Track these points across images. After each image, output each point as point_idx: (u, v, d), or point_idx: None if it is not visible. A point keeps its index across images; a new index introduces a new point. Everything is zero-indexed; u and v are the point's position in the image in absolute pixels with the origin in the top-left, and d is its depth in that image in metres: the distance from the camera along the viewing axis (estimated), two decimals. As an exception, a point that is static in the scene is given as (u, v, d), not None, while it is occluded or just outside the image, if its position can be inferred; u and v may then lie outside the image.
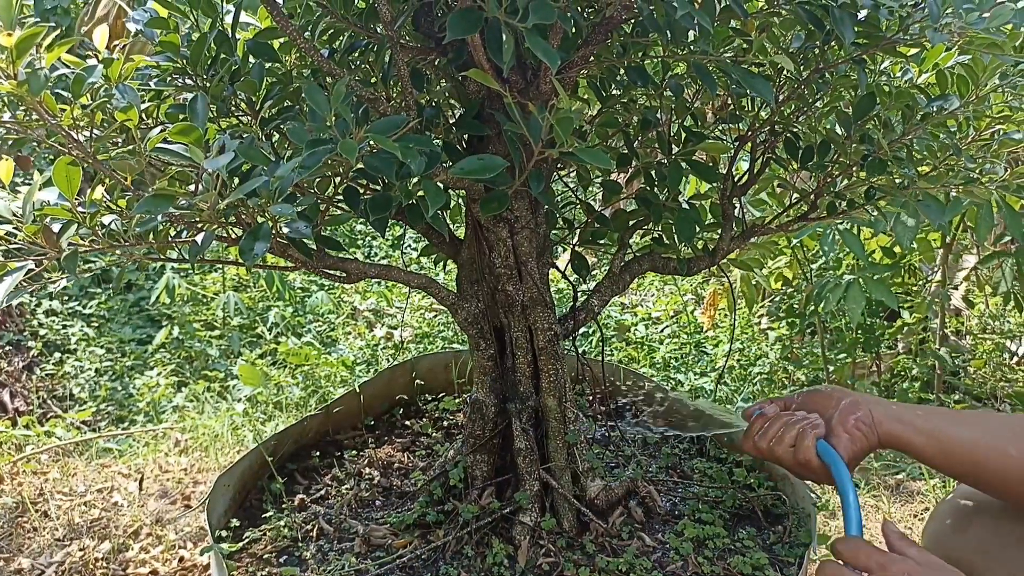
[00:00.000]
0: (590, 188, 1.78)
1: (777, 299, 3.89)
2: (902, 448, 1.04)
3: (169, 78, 1.13)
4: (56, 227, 0.97)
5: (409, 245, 5.53)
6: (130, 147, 0.93)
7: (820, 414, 1.09)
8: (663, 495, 1.52)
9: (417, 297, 4.54)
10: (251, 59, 1.22)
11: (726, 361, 3.12)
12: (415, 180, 1.03)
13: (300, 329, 4.70)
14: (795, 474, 1.10)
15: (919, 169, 1.42)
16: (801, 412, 1.10)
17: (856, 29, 1.18)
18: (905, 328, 3.63)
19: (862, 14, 1.20)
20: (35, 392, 4.29)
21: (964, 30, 1.08)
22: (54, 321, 4.75)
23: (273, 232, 0.97)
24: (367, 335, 4.52)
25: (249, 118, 1.22)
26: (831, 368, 3.60)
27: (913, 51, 1.31)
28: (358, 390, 1.83)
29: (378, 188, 1.11)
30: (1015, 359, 3.70)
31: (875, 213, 1.50)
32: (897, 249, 3.28)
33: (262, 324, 4.64)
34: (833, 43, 1.28)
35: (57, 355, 4.54)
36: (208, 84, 1.12)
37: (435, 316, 4.48)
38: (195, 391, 3.90)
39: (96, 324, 4.88)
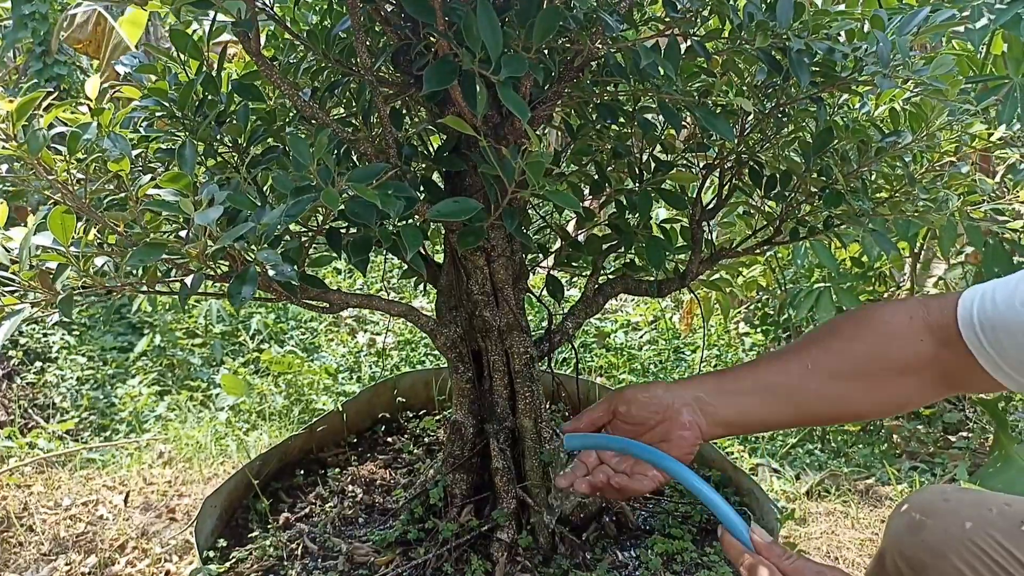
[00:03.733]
0: (564, 213, 1.84)
1: (752, 306, 3.97)
2: (720, 438, 1.09)
3: (157, 121, 1.18)
4: (50, 266, 1.02)
5: (387, 259, 5.56)
6: (122, 194, 0.98)
7: (650, 422, 1.02)
8: (635, 511, 1.58)
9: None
10: (236, 97, 1.27)
11: (699, 369, 3.20)
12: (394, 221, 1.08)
13: (283, 336, 4.72)
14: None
15: (877, 196, 1.49)
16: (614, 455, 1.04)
17: (812, 69, 1.25)
18: (876, 334, 3.72)
19: (818, 56, 1.27)
20: (16, 402, 4.28)
21: (910, 77, 1.15)
22: (35, 329, 4.74)
23: (259, 273, 1.02)
24: (350, 342, 4.56)
25: (234, 156, 1.27)
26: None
27: (867, 88, 1.38)
28: (341, 408, 1.88)
29: (359, 229, 1.16)
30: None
31: (835, 237, 1.57)
32: (865, 259, 3.37)
33: (244, 332, 4.66)
34: (793, 80, 1.35)
35: (38, 364, 4.54)
36: (195, 126, 1.17)
37: (417, 323, 4.51)
38: (178, 400, 3.92)
39: (77, 332, 4.87)
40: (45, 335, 4.73)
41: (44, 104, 0.88)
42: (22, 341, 4.63)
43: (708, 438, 1.03)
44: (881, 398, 1.03)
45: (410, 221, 1.10)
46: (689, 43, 1.29)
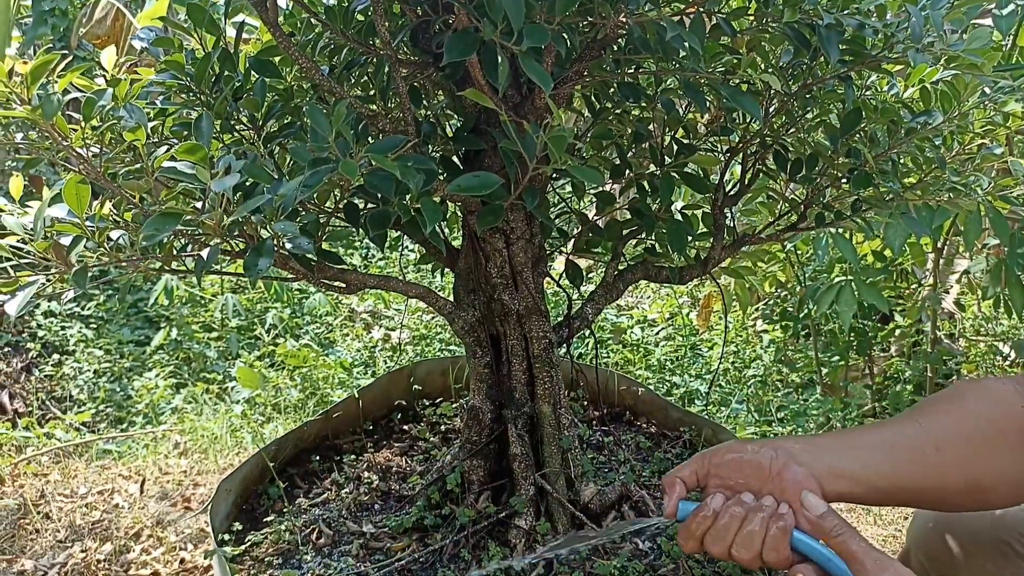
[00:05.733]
0: (584, 198, 1.81)
1: (771, 302, 3.93)
2: (841, 501, 0.90)
3: (174, 95, 1.16)
4: (65, 240, 1.00)
5: (406, 247, 5.55)
6: (138, 165, 0.96)
7: (755, 489, 0.88)
8: (656, 499, 1.55)
9: (414, 299, 4.58)
10: (253, 74, 1.25)
11: (719, 365, 3.16)
12: (414, 196, 1.06)
13: (298, 331, 4.73)
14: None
15: (905, 181, 1.46)
16: (749, 496, 0.87)
17: (842, 47, 1.22)
18: (898, 331, 3.67)
19: (848, 32, 1.23)
20: (34, 393, 4.31)
21: (945, 51, 1.12)
22: (52, 322, 4.78)
23: (276, 247, 1.01)
24: (365, 337, 4.55)
25: (251, 132, 1.25)
26: (824, 370, 3.64)
27: (898, 67, 1.34)
28: (357, 395, 1.86)
29: (376, 204, 1.14)
30: (1007, 361, 3.74)
31: (862, 223, 1.53)
32: (888, 253, 3.32)
33: (260, 326, 4.67)
34: (821, 59, 1.31)
35: (56, 356, 4.57)
36: (212, 101, 1.16)
37: (432, 318, 4.51)
38: (194, 393, 3.93)
39: (94, 325, 4.90)
40: (63, 328, 4.76)
41: (58, 70, 0.86)
42: (40, 334, 4.67)
43: (829, 495, 0.87)
44: (1001, 466, 0.91)
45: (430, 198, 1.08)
46: (714, 21, 1.26)
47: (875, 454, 0.89)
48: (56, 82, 0.86)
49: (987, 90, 1.32)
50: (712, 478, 0.91)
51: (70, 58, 0.89)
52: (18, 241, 0.99)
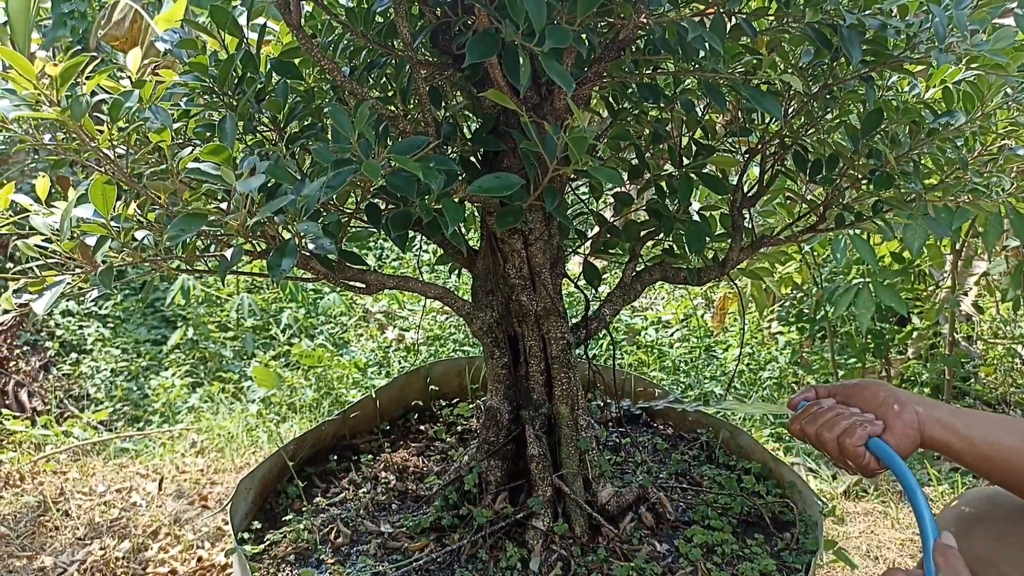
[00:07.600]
0: (602, 199, 1.81)
1: (787, 304, 3.91)
2: (942, 451, 1.05)
3: (197, 97, 1.17)
4: (90, 241, 1.01)
5: (421, 247, 5.55)
6: (163, 166, 0.97)
7: (863, 409, 1.07)
8: (673, 501, 1.55)
9: (429, 299, 4.58)
10: (274, 75, 1.26)
11: (736, 366, 3.14)
12: (434, 197, 1.07)
13: (313, 331, 4.75)
14: (839, 465, 1.10)
15: (926, 182, 1.44)
16: (856, 408, 1.07)
17: (863, 47, 1.21)
18: (915, 333, 3.64)
19: (869, 33, 1.23)
20: (52, 392, 4.35)
21: (969, 51, 1.11)
22: (70, 321, 4.82)
23: (298, 247, 1.01)
24: (379, 337, 4.56)
25: (273, 133, 1.26)
26: (841, 373, 3.61)
27: (920, 68, 1.33)
28: (374, 396, 1.87)
29: (397, 205, 1.15)
30: (1026, 364, 3.70)
31: (882, 224, 1.52)
32: (906, 254, 3.29)
33: (275, 326, 4.69)
34: (842, 59, 1.31)
35: (73, 355, 4.60)
36: (235, 102, 1.16)
37: (447, 319, 4.52)
38: (210, 392, 3.95)
39: (112, 325, 4.94)
40: (80, 327, 4.80)
41: (86, 73, 0.87)
42: (58, 333, 4.71)
43: (927, 438, 1.03)
44: None
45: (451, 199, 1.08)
46: (734, 21, 1.26)
47: (984, 422, 1.03)
48: (84, 84, 0.87)
49: (1010, 90, 1.31)
50: (837, 395, 1.12)
51: (97, 60, 0.90)
52: (43, 240, 1.00)
